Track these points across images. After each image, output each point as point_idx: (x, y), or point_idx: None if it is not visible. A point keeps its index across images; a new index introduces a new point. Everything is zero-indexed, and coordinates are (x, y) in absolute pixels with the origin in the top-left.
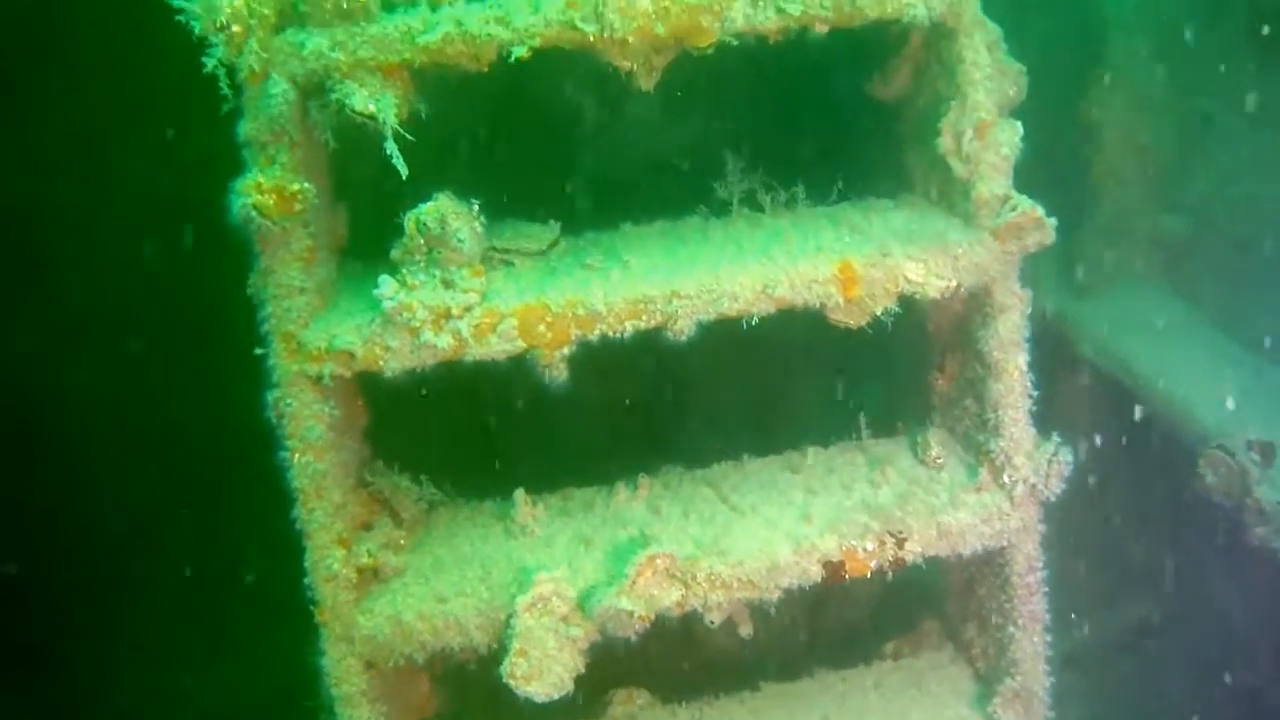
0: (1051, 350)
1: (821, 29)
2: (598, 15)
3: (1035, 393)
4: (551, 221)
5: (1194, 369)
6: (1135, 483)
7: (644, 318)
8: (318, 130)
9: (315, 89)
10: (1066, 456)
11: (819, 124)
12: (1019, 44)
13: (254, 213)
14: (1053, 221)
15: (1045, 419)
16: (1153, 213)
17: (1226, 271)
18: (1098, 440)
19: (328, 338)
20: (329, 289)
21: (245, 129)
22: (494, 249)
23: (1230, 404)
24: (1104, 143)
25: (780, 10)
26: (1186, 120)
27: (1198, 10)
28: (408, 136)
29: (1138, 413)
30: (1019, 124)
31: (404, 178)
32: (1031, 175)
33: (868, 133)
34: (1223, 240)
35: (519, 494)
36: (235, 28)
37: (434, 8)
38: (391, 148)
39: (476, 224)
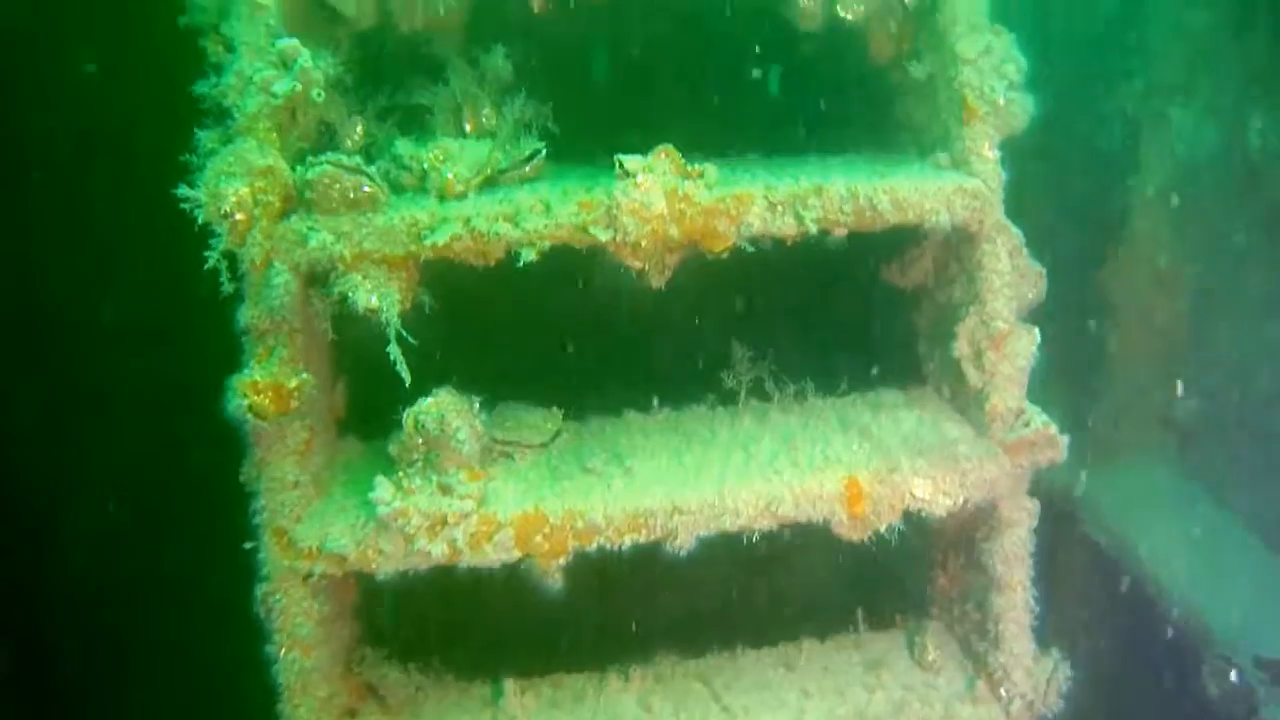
0: (1055, 524)
1: (841, 234)
2: (611, 219)
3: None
4: (554, 408)
5: (1204, 562)
6: (1137, 677)
7: (644, 532)
8: (319, 318)
9: (318, 277)
10: (1066, 672)
11: (831, 309)
12: (1042, 200)
13: (249, 414)
14: (1065, 439)
15: (1045, 598)
16: (1167, 393)
17: (1242, 459)
18: (1097, 627)
19: (320, 537)
20: (325, 474)
21: (245, 316)
22: (495, 439)
23: (1239, 607)
24: (1120, 319)
25: (799, 216)
26: (1205, 303)
27: (1225, 195)
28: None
29: (1142, 602)
30: (1036, 332)
31: (407, 383)
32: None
33: (881, 318)
34: (1239, 427)
35: (508, 684)
36: (240, 216)
37: (443, 199)
38: (395, 352)
39: (477, 422)
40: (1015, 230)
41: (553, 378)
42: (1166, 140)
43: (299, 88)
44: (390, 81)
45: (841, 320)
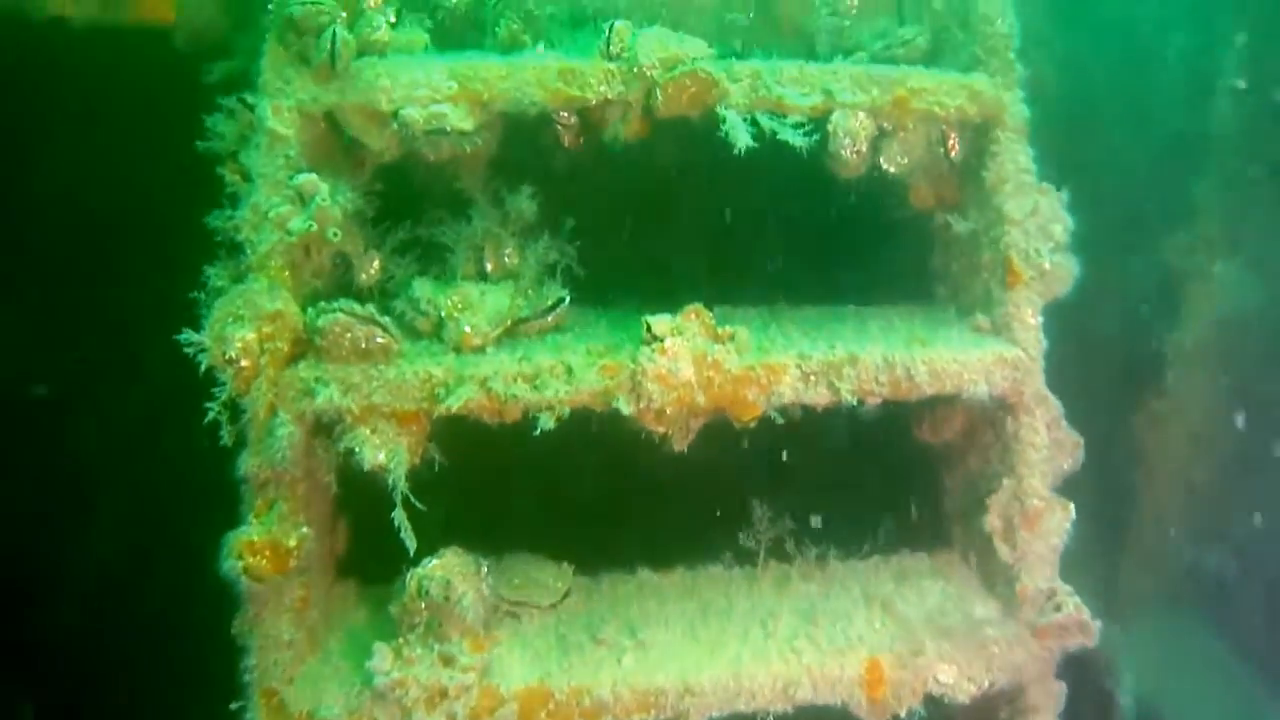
0: (1077, 676)
1: (875, 403)
2: (635, 385)
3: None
4: (564, 564)
5: None
6: None
7: (653, 712)
8: (323, 468)
9: (324, 427)
10: None
11: (855, 464)
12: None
13: (244, 576)
14: (1098, 624)
15: None
16: (1197, 546)
17: (1273, 618)
18: None
19: (312, 703)
20: (320, 627)
21: (246, 465)
22: (502, 597)
23: None
24: (1153, 471)
25: (833, 387)
26: (1242, 459)
27: (1266, 352)
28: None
29: None
30: (1071, 507)
31: (412, 551)
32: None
33: (908, 475)
34: (1272, 585)
35: None
36: (245, 363)
37: (459, 352)
38: (400, 516)
39: (483, 585)
40: (1055, 401)
41: (565, 528)
42: (1208, 294)
43: (315, 227)
44: (411, 214)
45: (866, 476)
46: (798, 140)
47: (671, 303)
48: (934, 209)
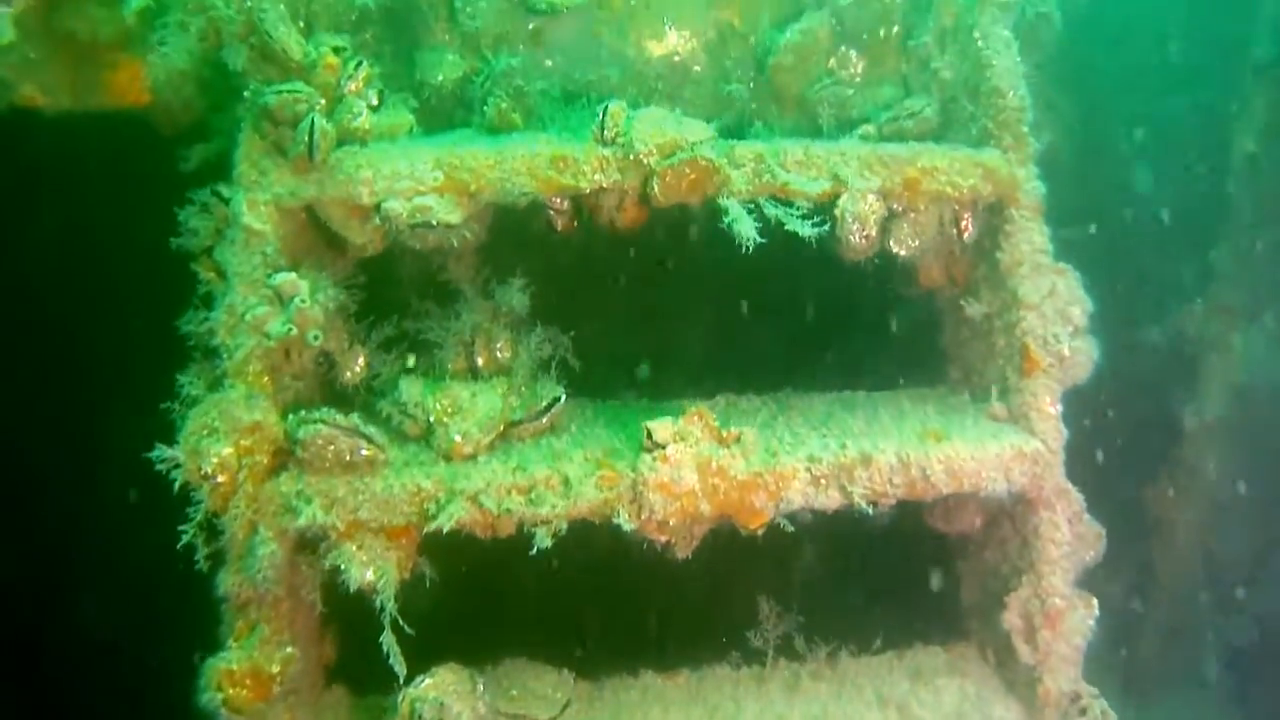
0: None
1: (888, 504)
2: (636, 496)
3: None
4: (565, 671)
5: None
6: None
7: None
8: (307, 586)
9: (308, 543)
10: None
11: (866, 555)
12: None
13: (224, 709)
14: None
15: None
16: (1217, 618)
17: None
18: None
19: None
20: None
21: (225, 584)
22: (500, 713)
23: None
24: (1172, 541)
25: (845, 491)
26: (1264, 529)
27: None
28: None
29: None
30: (1095, 603)
31: (401, 678)
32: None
33: (922, 565)
34: None
35: None
36: (222, 479)
37: (449, 460)
38: (390, 640)
39: (480, 703)
40: (1077, 494)
41: (564, 630)
42: (1228, 365)
43: (295, 331)
44: (398, 306)
45: (876, 566)
46: (806, 231)
47: (670, 391)
48: (944, 287)
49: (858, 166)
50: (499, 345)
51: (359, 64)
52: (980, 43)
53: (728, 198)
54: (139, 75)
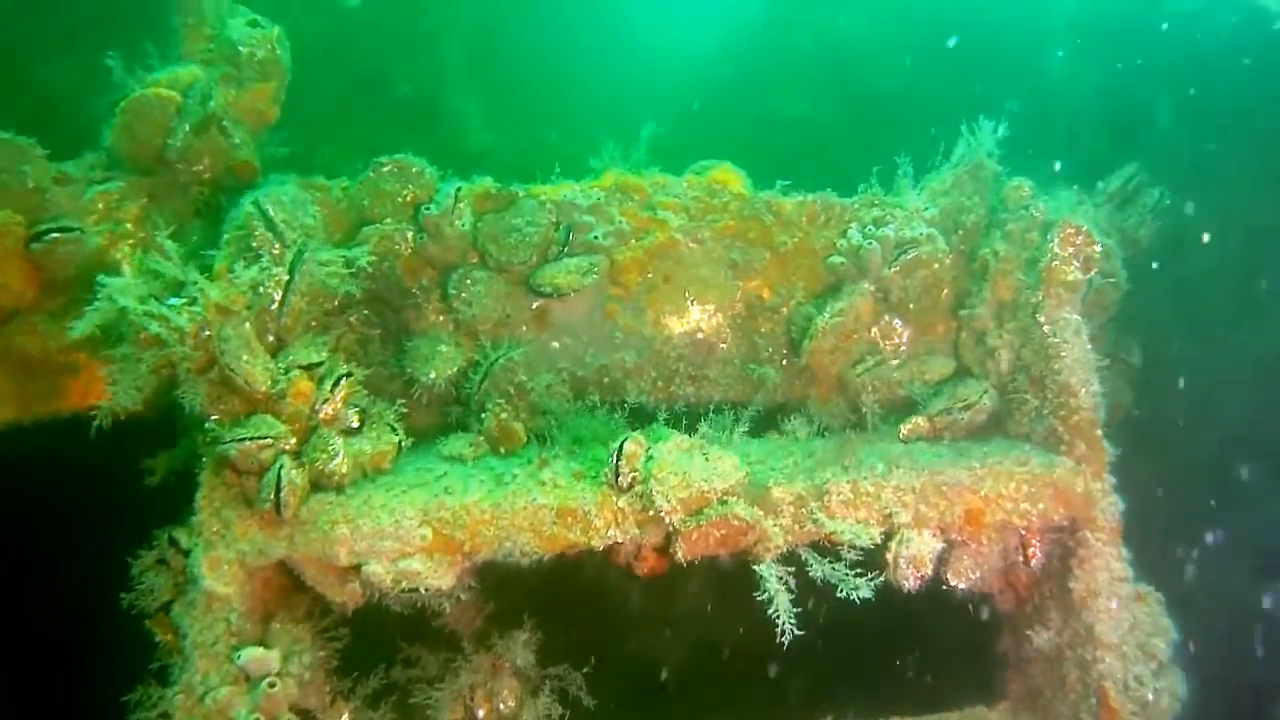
0: None
1: None
2: None
3: None
4: None
5: None
6: None
7: None
8: None
9: None
10: None
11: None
12: None
13: None
14: None
15: None
16: None
17: None
18: None
19: None
20: None
21: None
22: None
23: None
24: None
25: None
26: None
27: None
28: None
29: None
30: None
31: None
32: None
33: None
34: None
35: None
36: None
37: None
38: None
39: None
40: None
41: None
42: None
43: None
44: (385, 654)
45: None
46: (860, 594)
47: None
48: (1004, 595)
49: (913, 501)
50: (503, 695)
51: (336, 382)
52: (1046, 328)
53: (765, 562)
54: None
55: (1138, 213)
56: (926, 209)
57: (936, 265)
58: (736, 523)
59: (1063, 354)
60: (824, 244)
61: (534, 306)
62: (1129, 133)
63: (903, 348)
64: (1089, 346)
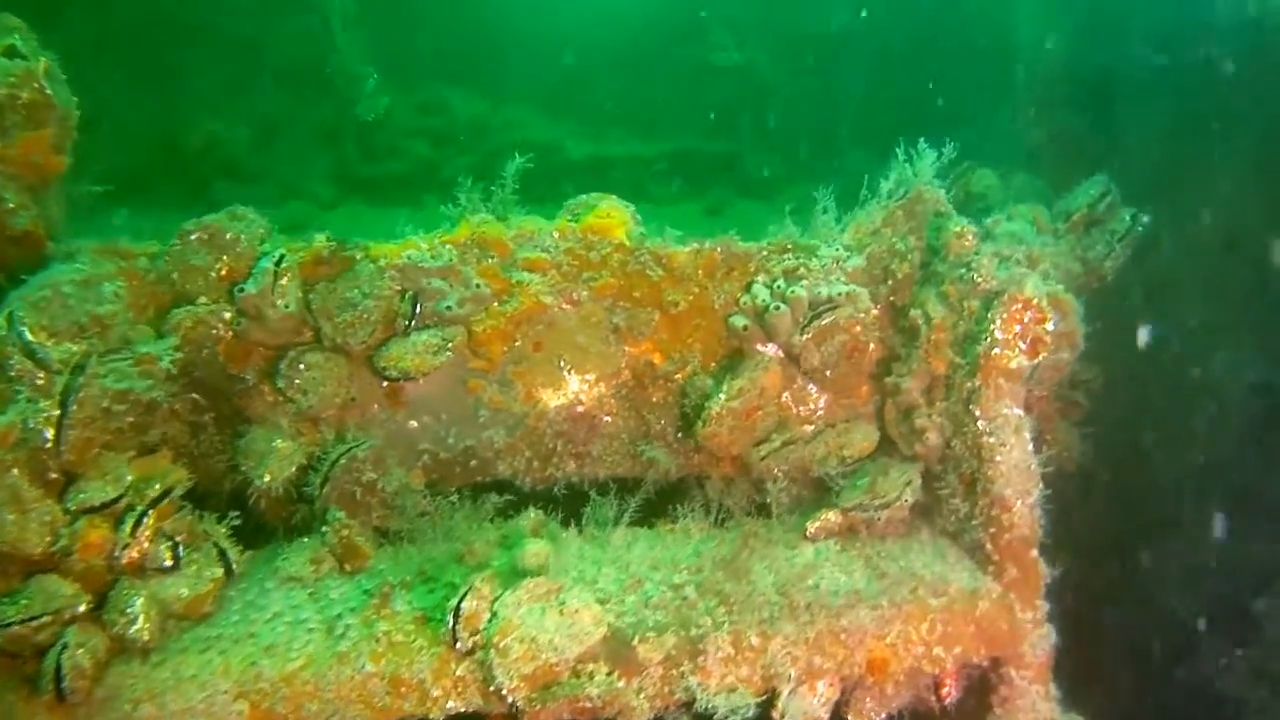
0: None
1: None
2: None
3: None
4: None
5: None
6: None
7: None
8: None
9: None
10: None
11: None
12: None
13: None
14: None
15: None
16: None
17: None
18: None
19: None
20: None
21: None
22: None
23: None
24: None
25: None
26: None
27: None
28: None
29: None
30: None
31: None
32: None
33: None
34: None
35: None
36: None
37: None
38: None
39: None
40: None
41: None
42: None
43: None
44: None
45: None
46: None
47: None
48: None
49: (805, 654)
50: None
51: (140, 518)
52: (980, 423)
53: None
54: None
55: (1105, 240)
56: (849, 258)
57: (859, 329)
58: (590, 704)
59: (998, 458)
60: (725, 300)
61: (384, 385)
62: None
63: (819, 414)
64: (1030, 447)
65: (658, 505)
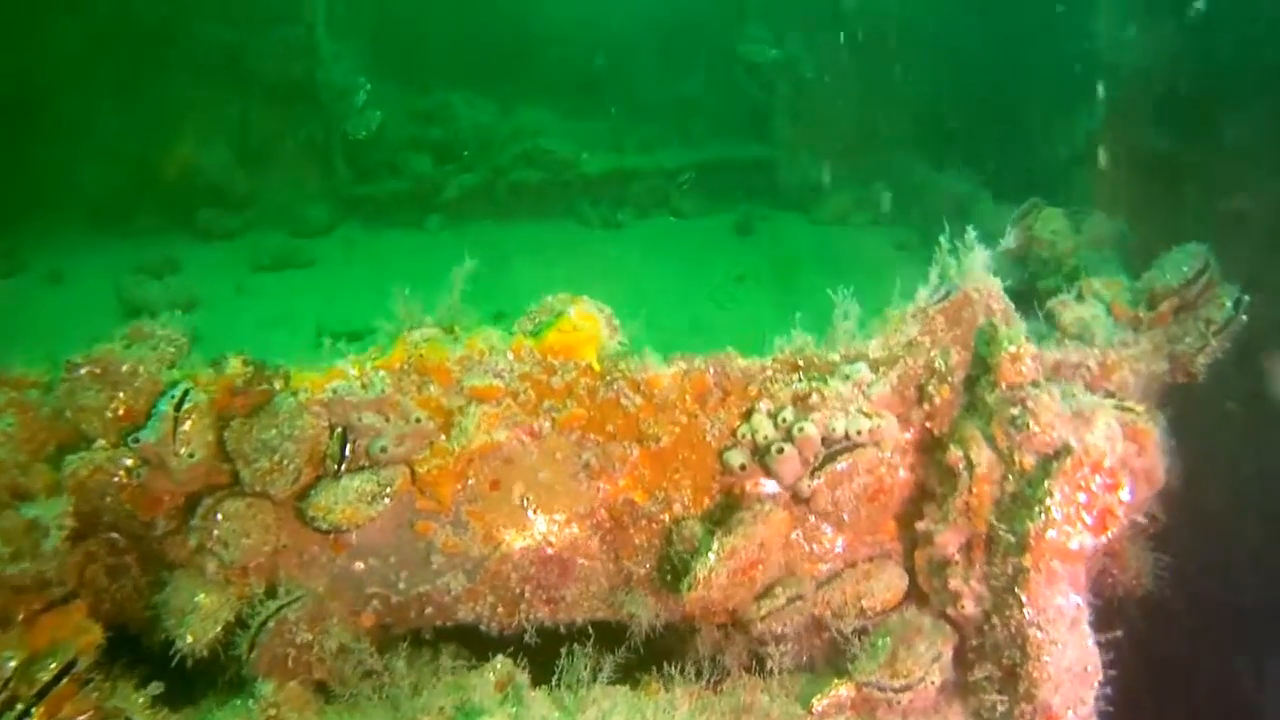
0: None
1: None
2: None
3: None
4: None
5: None
6: None
7: None
8: None
9: None
10: None
11: None
12: None
13: None
14: None
15: None
16: None
17: None
18: None
19: None
20: None
21: None
22: None
23: None
24: None
25: None
26: None
27: None
28: None
29: None
30: None
31: None
32: None
33: None
34: None
35: None
36: None
37: None
38: None
39: None
40: None
41: None
42: None
43: None
44: None
45: None
46: None
47: None
48: None
49: None
50: None
51: (28, 711)
52: (1028, 612)
53: None
54: None
55: (1198, 330)
56: (874, 383)
57: (884, 470)
58: None
59: (1045, 658)
60: (720, 430)
61: (323, 527)
62: None
63: (833, 554)
64: (1091, 642)
65: (644, 648)
